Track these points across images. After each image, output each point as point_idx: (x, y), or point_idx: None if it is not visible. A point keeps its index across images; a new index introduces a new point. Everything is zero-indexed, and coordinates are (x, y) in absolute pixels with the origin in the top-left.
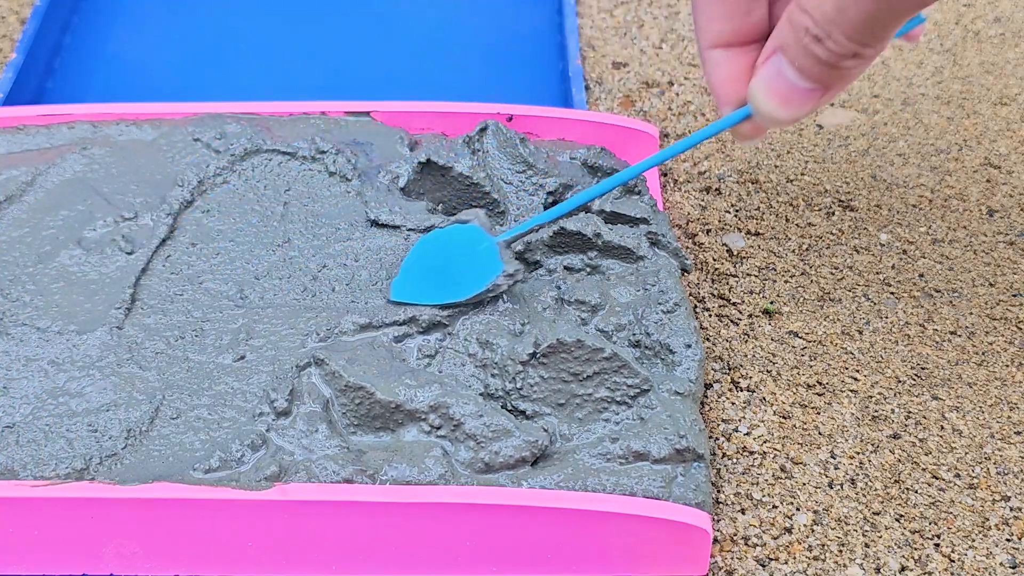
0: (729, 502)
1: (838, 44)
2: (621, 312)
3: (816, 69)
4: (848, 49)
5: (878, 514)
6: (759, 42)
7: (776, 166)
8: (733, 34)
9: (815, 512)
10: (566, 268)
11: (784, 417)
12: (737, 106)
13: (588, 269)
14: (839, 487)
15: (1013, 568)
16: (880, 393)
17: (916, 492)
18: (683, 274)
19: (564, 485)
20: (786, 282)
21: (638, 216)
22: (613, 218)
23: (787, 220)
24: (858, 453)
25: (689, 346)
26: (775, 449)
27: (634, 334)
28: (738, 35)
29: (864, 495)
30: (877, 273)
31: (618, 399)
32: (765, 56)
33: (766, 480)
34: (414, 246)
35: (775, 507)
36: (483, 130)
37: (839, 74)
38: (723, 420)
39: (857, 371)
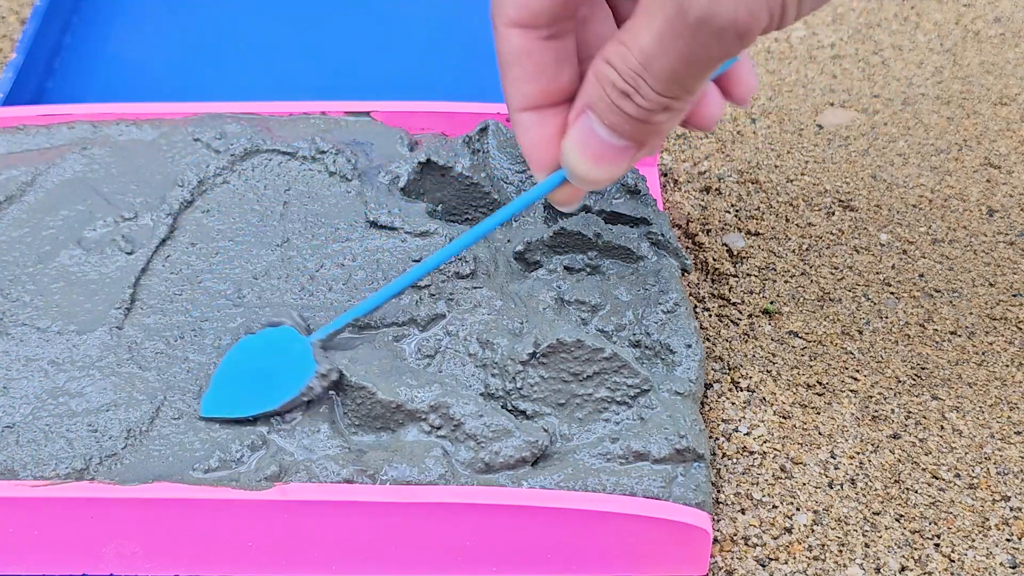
0: (729, 502)
1: (647, 99)
2: (621, 312)
3: (627, 125)
4: (657, 103)
5: (878, 514)
6: (570, 102)
7: (776, 166)
8: (542, 95)
9: (815, 512)
10: (566, 268)
11: (784, 417)
12: (551, 170)
13: (588, 269)
14: (839, 487)
15: (1013, 568)
16: (880, 393)
17: (916, 492)
18: (683, 274)
19: (564, 485)
20: (786, 282)
21: (638, 216)
22: (613, 218)
23: (787, 220)
24: (858, 453)
25: (689, 346)
26: (775, 449)
27: (634, 334)
28: (548, 96)
29: (864, 495)
30: (877, 273)
31: (618, 399)
32: (575, 114)
33: (766, 480)
34: (225, 355)
35: (775, 507)
36: (483, 130)
37: (651, 129)
38: (723, 420)
39: (857, 371)
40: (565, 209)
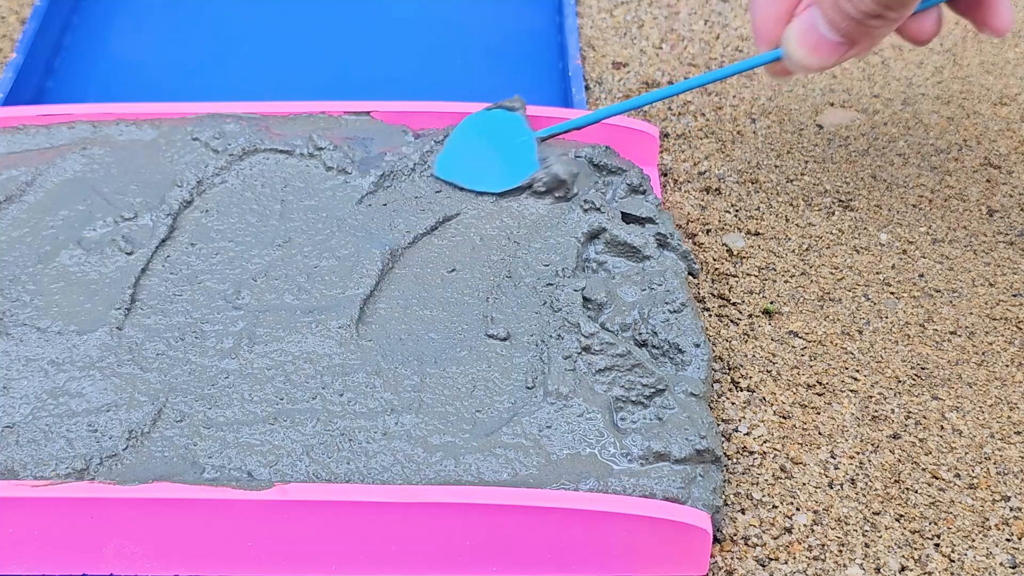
0: (729, 502)
1: (863, 2)
2: (627, 311)
3: (844, 24)
4: (873, 8)
5: (878, 514)
6: None
7: (776, 166)
8: None
9: (815, 512)
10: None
11: (784, 417)
12: (772, 47)
13: (594, 266)
14: (839, 487)
15: (1013, 568)
16: (880, 393)
17: (916, 492)
18: (689, 277)
19: (583, 485)
20: (786, 282)
21: (644, 216)
22: (621, 217)
23: (787, 220)
24: (858, 453)
25: (698, 345)
26: (775, 449)
27: (640, 333)
28: None
29: (864, 495)
30: (877, 273)
31: (633, 399)
32: (804, 6)
33: (766, 480)
34: (460, 123)
35: (775, 507)
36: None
37: (864, 31)
38: (723, 420)
39: (857, 371)
40: (777, 80)
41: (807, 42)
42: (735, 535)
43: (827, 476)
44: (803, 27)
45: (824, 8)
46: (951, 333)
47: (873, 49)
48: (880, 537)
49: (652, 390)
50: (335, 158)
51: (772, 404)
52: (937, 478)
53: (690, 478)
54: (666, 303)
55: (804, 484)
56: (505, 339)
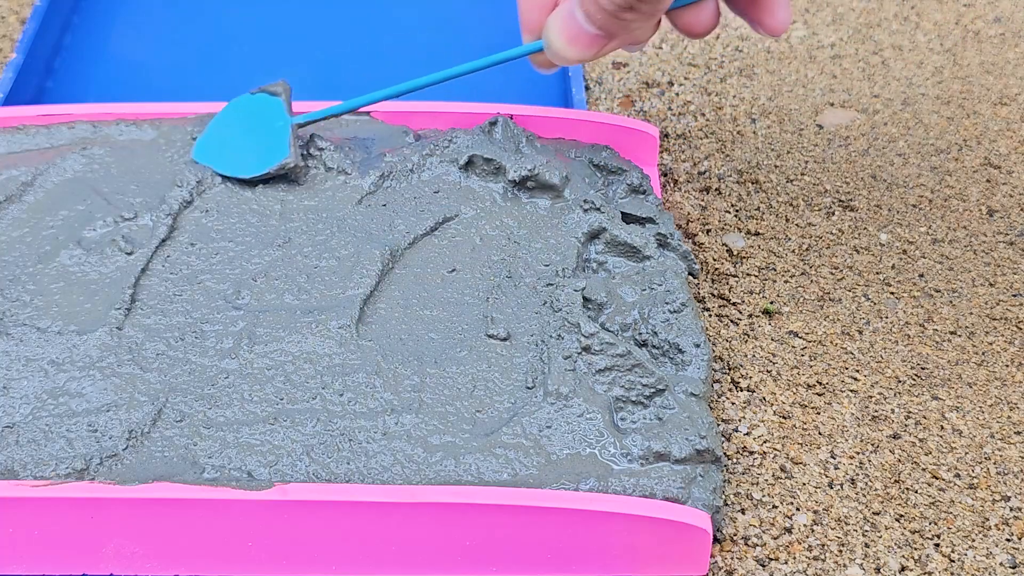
0: (729, 502)
1: None
2: (627, 311)
3: (599, 16)
4: (625, 1)
5: (878, 514)
6: None
7: (776, 166)
8: None
9: (815, 512)
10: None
11: (784, 417)
12: (536, 37)
13: (594, 266)
14: (839, 487)
15: (1013, 568)
16: (880, 393)
17: (916, 492)
18: (689, 277)
19: (583, 485)
20: (786, 282)
21: (644, 216)
22: (621, 217)
23: (787, 220)
24: (858, 453)
25: (698, 345)
26: (775, 449)
27: (640, 333)
28: None
29: (864, 495)
30: (877, 273)
31: (633, 399)
32: None
33: (766, 480)
34: (225, 107)
35: (775, 507)
36: (492, 124)
37: (620, 24)
38: (723, 420)
39: (857, 371)
40: (542, 71)
41: (565, 33)
42: (735, 535)
43: (827, 476)
44: (562, 17)
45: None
46: (951, 333)
47: (637, 44)
48: (880, 537)
49: (652, 390)
50: (335, 158)
51: (772, 404)
52: (937, 478)
53: (690, 478)
54: (666, 303)
55: (804, 484)
56: (505, 339)
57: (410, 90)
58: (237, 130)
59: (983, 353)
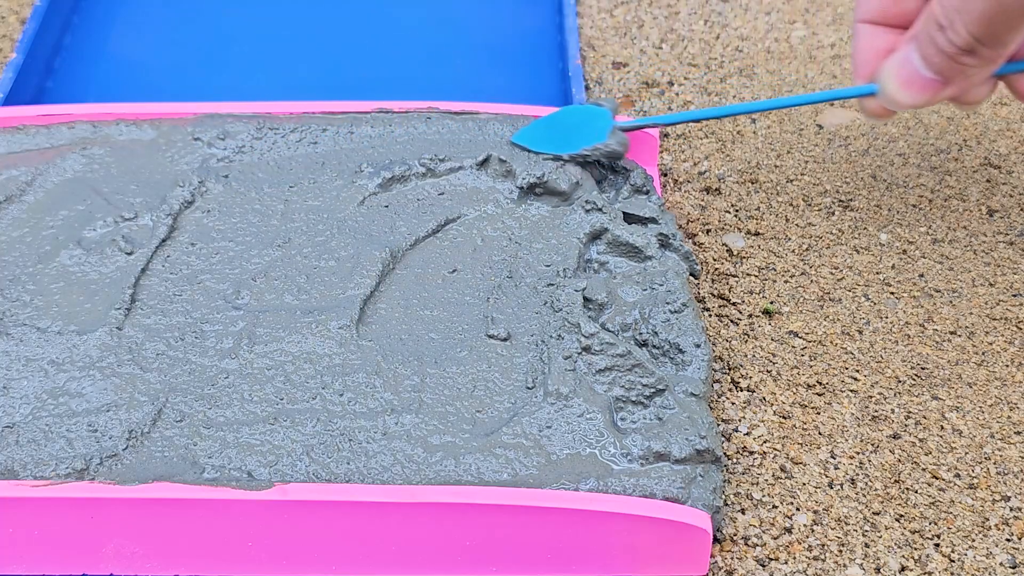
0: (729, 502)
1: (957, 35)
2: (627, 311)
3: (937, 59)
4: (965, 42)
5: (878, 514)
6: (906, 29)
7: (776, 166)
8: (883, 15)
9: (815, 512)
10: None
11: (784, 417)
12: (868, 81)
13: (596, 266)
14: (839, 487)
15: (1013, 568)
16: (880, 393)
17: (916, 492)
18: (690, 277)
19: (583, 485)
20: (786, 282)
21: (646, 216)
22: (623, 217)
23: (787, 220)
24: (858, 453)
25: (698, 346)
26: (775, 449)
27: (640, 333)
28: (888, 17)
29: (864, 495)
30: (877, 273)
31: (633, 399)
32: (904, 41)
33: (766, 480)
34: (553, 112)
35: (775, 507)
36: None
37: (958, 69)
38: (723, 420)
39: (857, 371)
40: (871, 119)
41: (901, 77)
42: (735, 535)
43: (827, 476)
44: (899, 61)
45: (920, 42)
46: (951, 333)
47: (971, 98)
48: (880, 537)
49: (652, 390)
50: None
51: (772, 404)
52: (937, 478)
53: (690, 478)
54: (667, 303)
55: (804, 484)
56: (506, 339)
57: (730, 114)
58: (561, 124)
59: (983, 353)
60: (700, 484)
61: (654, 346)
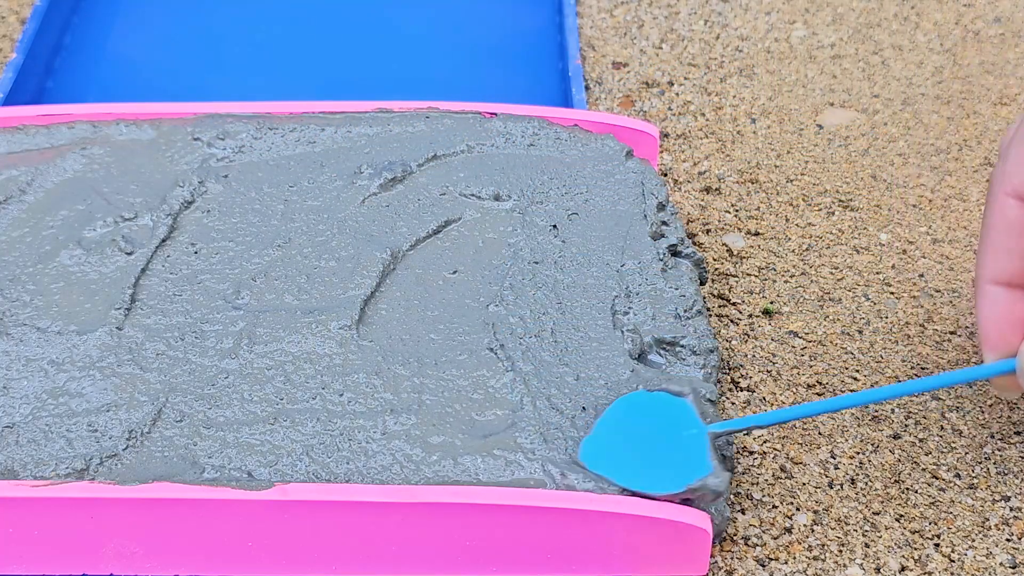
0: (729, 502)
1: None
2: (636, 314)
3: None
4: None
5: (878, 514)
6: None
7: (776, 166)
8: (1023, 276)
9: (815, 512)
10: None
11: None
12: (1003, 355)
13: None
14: (839, 487)
15: (1013, 568)
16: None
17: (916, 492)
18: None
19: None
20: (786, 282)
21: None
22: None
23: (787, 220)
24: (858, 453)
25: (712, 351)
26: (775, 449)
27: (653, 335)
28: None
29: (864, 495)
30: (877, 273)
31: None
32: None
33: (766, 480)
34: (614, 403)
35: (775, 507)
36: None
37: None
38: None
39: (857, 371)
40: (1003, 395)
41: None
42: (735, 535)
43: (827, 476)
44: None
45: None
46: (951, 333)
47: None
48: (880, 537)
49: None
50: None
51: (772, 404)
52: (937, 478)
53: None
54: (677, 306)
55: (804, 484)
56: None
57: (830, 410)
58: (636, 432)
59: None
60: None
61: (664, 348)
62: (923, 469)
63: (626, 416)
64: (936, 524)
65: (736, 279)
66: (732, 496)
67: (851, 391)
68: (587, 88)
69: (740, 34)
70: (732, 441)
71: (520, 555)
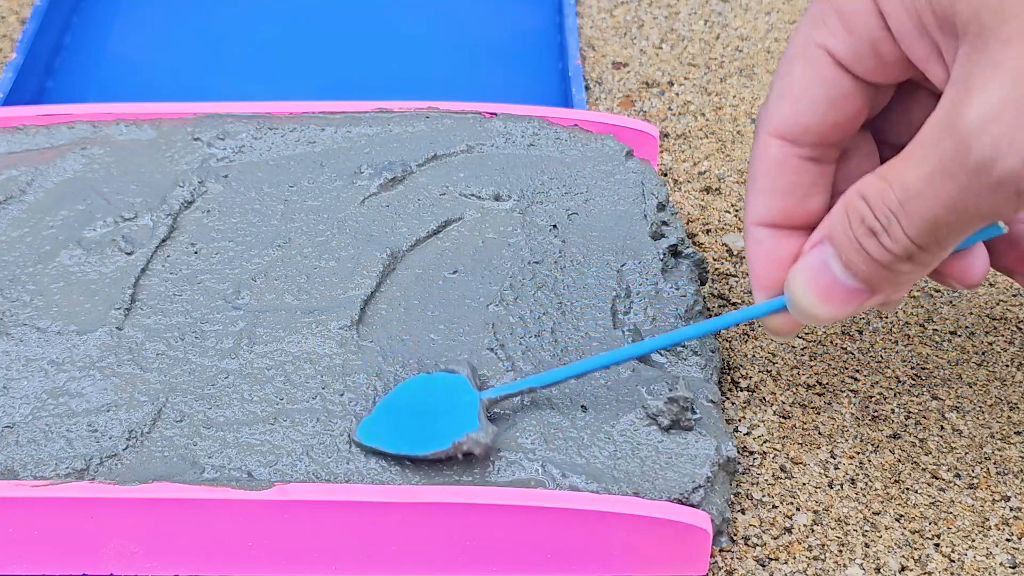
0: (729, 502)
1: (895, 241)
2: (636, 313)
3: (865, 267)
4: (904, 249)
5: (878, 514)
6: (810, 230)
7: None
8: (785, 214)
9: (815, 512)
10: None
11: (784, 417)
12: (772, 294)
13: None
14: (839, 487)
15: (1013, 568)
16: (880, 393)
17: (916, 492)
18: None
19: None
20: None
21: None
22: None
23: None
24: (858, 453)
25: (714, 351)
26: (775, 449)
27: (651, 335)
28: (790, 217)
29: (864, 495)
30: None
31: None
32: (812, 243)
33: (766, 480)
34: (394, 389)
35: (775, 507)
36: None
37: (890, 277)
38: (723, 420)
39: (857, 371)
40: (777, 338)
41: (817, 287)
42: (735, 535)
43: (827, 476)
44: (812, 268)
45: (840, 246)
46: (951, 333)
47: (892, 303)
48: (880, 537)
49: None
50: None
51: (772, 404)
52: (937, 478)
53: (711, 487)
54: (678, 307)
55: (804, 484)
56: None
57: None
58: (413, 408)
59: (983, 353)
60: (718, 491)
61: (665, 348)
62: (923, 469)
63: (404, 396)
64: (936, 524)
65: (736, 279)
66: (732, 496)
67: (851, 391)
68: (587, 88)
69: (740, 34)
70: (732, 441)
71: (520, 555)
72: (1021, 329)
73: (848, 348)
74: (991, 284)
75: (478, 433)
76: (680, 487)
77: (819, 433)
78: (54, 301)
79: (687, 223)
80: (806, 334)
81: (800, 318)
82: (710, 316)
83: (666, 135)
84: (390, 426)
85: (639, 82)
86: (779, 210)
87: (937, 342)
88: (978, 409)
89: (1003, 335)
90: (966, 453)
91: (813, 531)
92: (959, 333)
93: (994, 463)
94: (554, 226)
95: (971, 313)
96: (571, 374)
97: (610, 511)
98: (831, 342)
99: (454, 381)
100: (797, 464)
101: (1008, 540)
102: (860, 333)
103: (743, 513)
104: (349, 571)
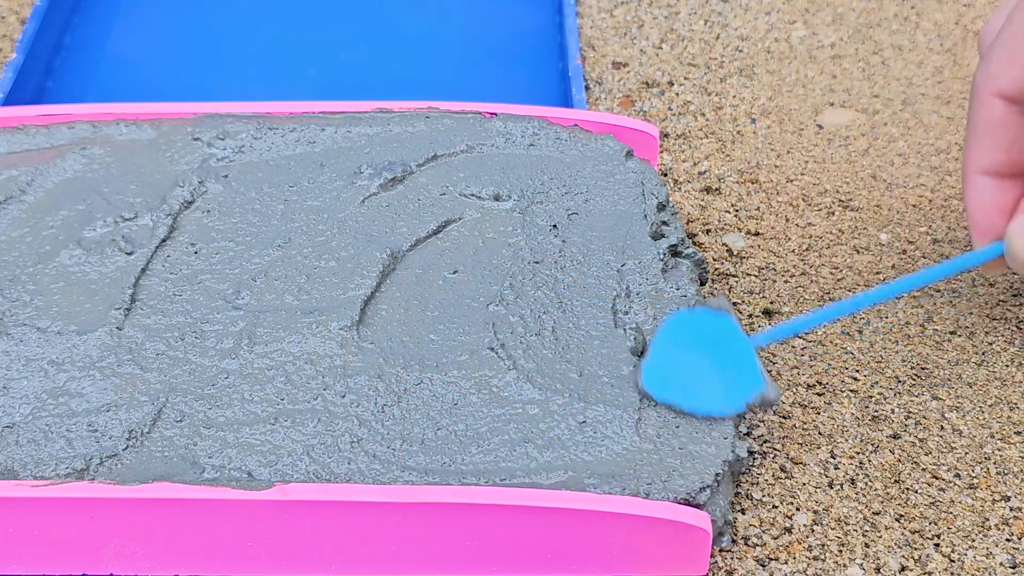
0: (729, 502)
1: None
2: (637, 313)
3: None
4: None
5: (878, 514)
6: None
7: (776, 166)
8: (1008, 165)
9: (815, 512)
10: None
11: (784, 417)
12: (991, 240)
13: None
14: (839, 487)
15: (1013, 568)
16: (880, 393)
17: (916, 492)
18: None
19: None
20: (786, 282)
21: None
22: None
23: (787, 220)
24: (858, 453)
25: None
26: (775, 449)
27: (652, 335)
28: (1013, 167)
29: (864, 495)
30: (877, 273)
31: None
32: None
33: (766, 480)
34: (661, 328)
35: (775, 507)
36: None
37: None
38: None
39: (857, 371)
40: (990, 274)
41: None
42: (735, 535)
43: (827, 476)
44: None
45: None
46: (951, 333)
47: None
48: (880, 537)
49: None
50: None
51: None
52: (937, 478)
53: (715, 488)
54: (679, 307)
55: (804, 484)
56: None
57: (856, 309)
58: (689, 355)
59: (983, 353)
60: (720, 492)
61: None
62: (923, 469)
63: (676, 339)
64: (936, 524)
65: (736, 279)
66: (732, 496)
67: (851, 391)
68: (587, 88)
69: (740, 34)
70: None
71: (520, 555)
72: (1021, 329)
73: (848, 348)
74: (991, 284)
75: (767, 391)
76: (687, 487)
77: (819, 433)
78: (54, 301)
79: (687, 223)
80: (806, 334)
81: (1017, 268)
82: None
83: (666, 135)
84: (672, 376)
85: (639, 82)
86: (1004, 161)
87: (937, 342)
88: (978, 409)
89: (1003, 335)
90: (966, 453)
91: (813, 531)
92: (959, 333)
93: (994, 463)
94: (554, 226)
95: (971, 313)
96: (839, 313)
97: (610, 511)
98: (831, 342)
99: (721, 323)
100: (797, 464)
101: (1008, 540)
102: (860, 333)
103: (743, 513)
104: (349, 571)
